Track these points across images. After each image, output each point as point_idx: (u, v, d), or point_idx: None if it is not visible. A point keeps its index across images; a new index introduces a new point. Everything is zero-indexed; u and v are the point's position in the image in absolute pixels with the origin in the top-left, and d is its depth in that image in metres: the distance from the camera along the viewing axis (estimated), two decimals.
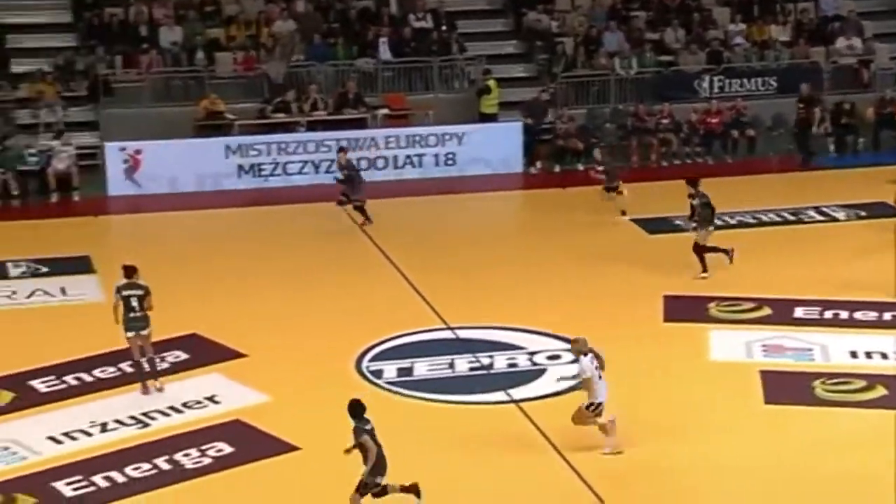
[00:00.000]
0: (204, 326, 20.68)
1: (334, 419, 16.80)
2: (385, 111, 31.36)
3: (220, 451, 16.90)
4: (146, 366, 18.54)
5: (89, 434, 17.44)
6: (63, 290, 22.80)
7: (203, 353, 19.96)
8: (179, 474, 16.40)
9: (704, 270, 22.64)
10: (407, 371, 19.35)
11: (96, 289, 22.74)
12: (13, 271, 23.63)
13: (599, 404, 16.38)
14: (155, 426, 17.70)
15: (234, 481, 16.28)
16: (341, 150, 27.08)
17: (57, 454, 16.87)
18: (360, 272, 23.71)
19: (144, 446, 17.09)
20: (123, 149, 28.81)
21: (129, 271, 18.46)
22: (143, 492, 16.00)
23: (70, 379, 18.94)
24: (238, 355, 19.85)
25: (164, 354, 19.70)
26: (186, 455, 16.78)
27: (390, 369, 19.31)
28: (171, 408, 18.18)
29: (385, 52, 32.37)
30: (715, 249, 22.83)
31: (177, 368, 19.47)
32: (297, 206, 27.79)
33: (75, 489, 15.98)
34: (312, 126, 30.58)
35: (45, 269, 23.75)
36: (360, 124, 30.82)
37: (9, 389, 18.57)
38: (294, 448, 16.93)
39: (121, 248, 25.65)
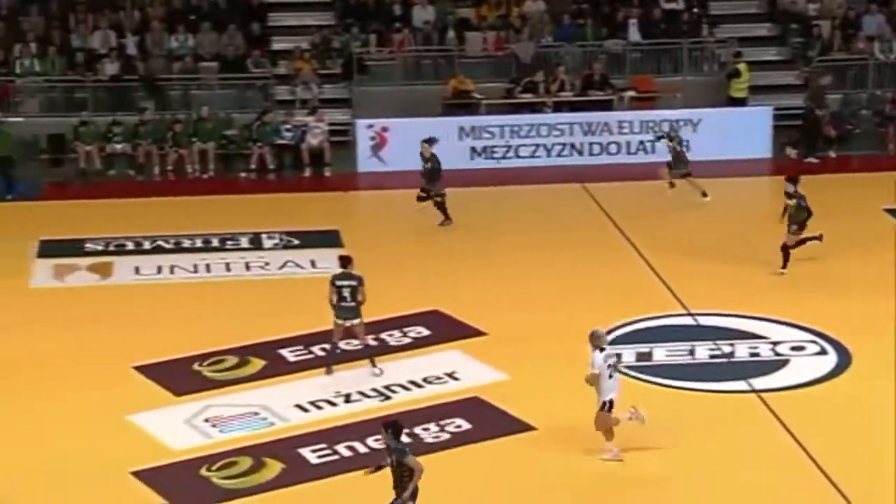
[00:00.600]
0: (445, 303, 21.00)
1: (571, 401, 16.88)
2: (631, 93, 31.16)
3: (458, 426, 17.19)
4: (337, 350, 18.78)
5: (334, 404, 17.98)
6: (313, 263, 23.48)
7: (444, 329, 20.29)
8: (418, 447, 16.74)
9: (784, 267, 22.05)
10: (646, 356, 19.27)
11: None
12: (267, 243, 24.48)
13: (609, 402, 15.87)
14: (396, 399, 18.12)
15: (471, 457, 16.54)
16: (427, 140, 25.28)
17: (303, 422, 17.47)
18: (599, 253, 23.68)
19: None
20: (371, 126, 29.45)
21: (345, 261, 18.88)
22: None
23: (317, 350, 19.52)
24: (478, 333, 20.11)
25: (407, 329, 20.18)
26: (426, 429, 17.13)
27: (629, 353, 19.26)
28: (412, 382, 18.57)
29: (634, 34, 32.15)
30: (804, 241, 22.16)
31: (418, 344, 19.87)
32: (532, 187, 27.87)
33: (320, 456, 16.52)
34: (558, 107, 30.62)
35: (296, 242, 24.51)
36: (605, 106, 30.70)
37: (260, 357, 19.28)
38: (530, 428, 17.09)
39: (367, 223, 26.34)
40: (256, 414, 17.66)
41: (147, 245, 24.13)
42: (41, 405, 17.85)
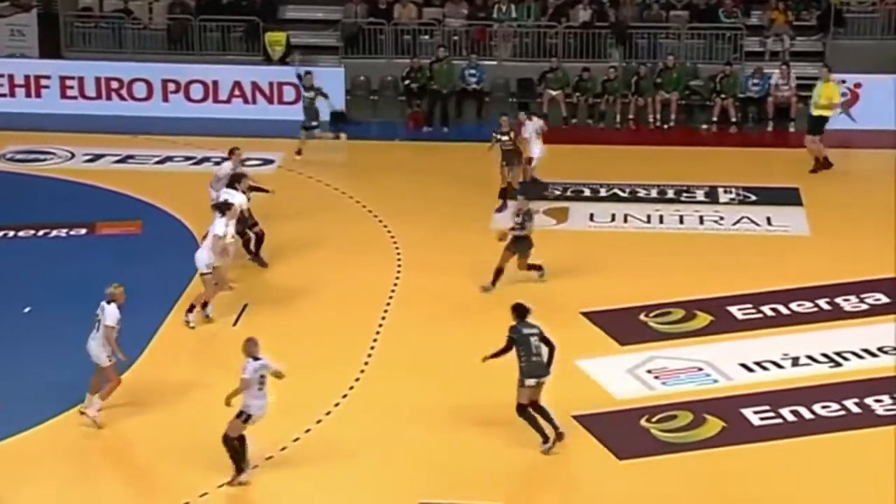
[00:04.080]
0: None
1: None
2: None
3: None
4: None
5: (780, 366, 17.52)
6: (769, 220, 22.90)
7: None
8: (868, 419, 16.11)
9: None
10: None
11: (802, 222, 22.67)
12: (723, 197, 24.06)
13: (250, 416, 14.63)
14: (847, 367, 17.47)
15: None
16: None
17: (747, 382, 17.14)
18: None
19: (834, 386, 16.93)
20: (843, 81, 28.30)
21: None
22: (828, 431, 15.90)
23: (766, 309, 19.08)
24: None
25: (864, 296, 19.38)
26: (878, 401, 16.43)
27: None
28: (866, 350, 17.84)
29: None
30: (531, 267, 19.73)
31: (875, 311, 19.04)
32: None
33: (762, 419, 16.17)
34: None
35: (753, 198, 23.97)
36: None
37: (708, 312, 19.03)
38: None
39: (830, 183, 25.33)
40: (700, 370, 17.49)
41: (603, 192, 24.30)
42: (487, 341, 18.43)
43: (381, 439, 15.84)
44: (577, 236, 22.40)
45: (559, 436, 15.56)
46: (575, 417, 16.22)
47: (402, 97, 29.40)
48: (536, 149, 23.48)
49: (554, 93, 28.76)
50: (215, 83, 29.01)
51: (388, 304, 19.47)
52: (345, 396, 16.85)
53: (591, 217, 23.17)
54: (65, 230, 22.22)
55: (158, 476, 15.30)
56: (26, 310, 19.15)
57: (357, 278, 20.38)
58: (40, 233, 22.13)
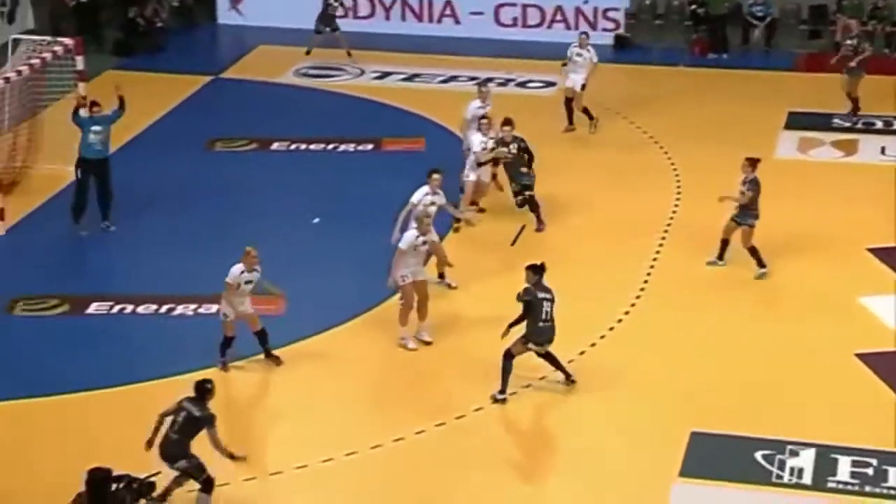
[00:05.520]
0: None
1: None
2: None
3: None
4: None
5: None
6: None
7: None
8: None
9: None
10: None
11: None
12: None
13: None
14: None
15: None
16: None
17: None
18: None
19: None
20: None
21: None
22: None
23: None
24: None
25: None
26: None
27: None
28: None
29: None
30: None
31: None
32: None
33: None
34: None
35: None
36: None
37: None
38: None
39: None
40: None
41: None
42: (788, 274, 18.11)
43: (651, 367, 15.85)
44: (866, 170, 21.70)
45: (569, 381, 15.28)
46: (858, 355, 15.87)
47: (688, 22, 28.87)
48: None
49: (849, 20, 27.67)
50: (498, 7, 29.13)
51: (666, 232, 19.30)
52: (620, 321, 16.90)
53: (882, 150, 22.37)
54: (353, 145, 22.86)
55: (433, 393, 15.75)
56: (315, 220, 19.84)
57: (635, 204, 20.26)
58: (330, 146, 22.84)
